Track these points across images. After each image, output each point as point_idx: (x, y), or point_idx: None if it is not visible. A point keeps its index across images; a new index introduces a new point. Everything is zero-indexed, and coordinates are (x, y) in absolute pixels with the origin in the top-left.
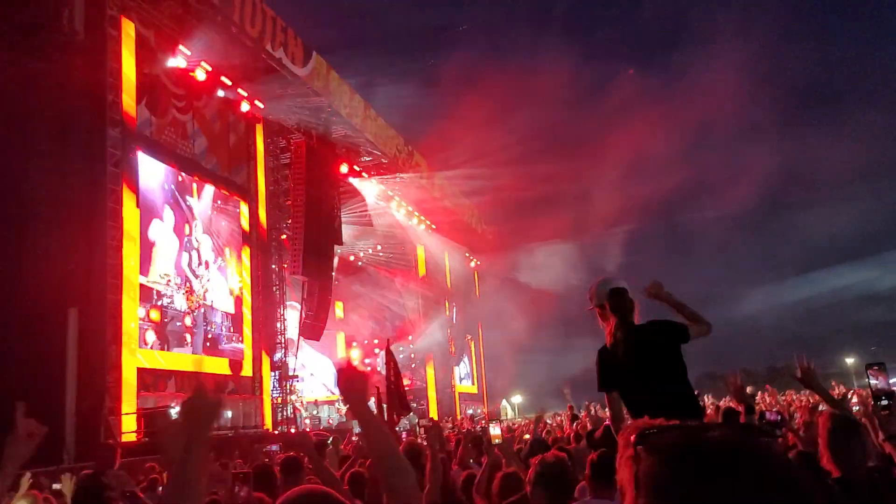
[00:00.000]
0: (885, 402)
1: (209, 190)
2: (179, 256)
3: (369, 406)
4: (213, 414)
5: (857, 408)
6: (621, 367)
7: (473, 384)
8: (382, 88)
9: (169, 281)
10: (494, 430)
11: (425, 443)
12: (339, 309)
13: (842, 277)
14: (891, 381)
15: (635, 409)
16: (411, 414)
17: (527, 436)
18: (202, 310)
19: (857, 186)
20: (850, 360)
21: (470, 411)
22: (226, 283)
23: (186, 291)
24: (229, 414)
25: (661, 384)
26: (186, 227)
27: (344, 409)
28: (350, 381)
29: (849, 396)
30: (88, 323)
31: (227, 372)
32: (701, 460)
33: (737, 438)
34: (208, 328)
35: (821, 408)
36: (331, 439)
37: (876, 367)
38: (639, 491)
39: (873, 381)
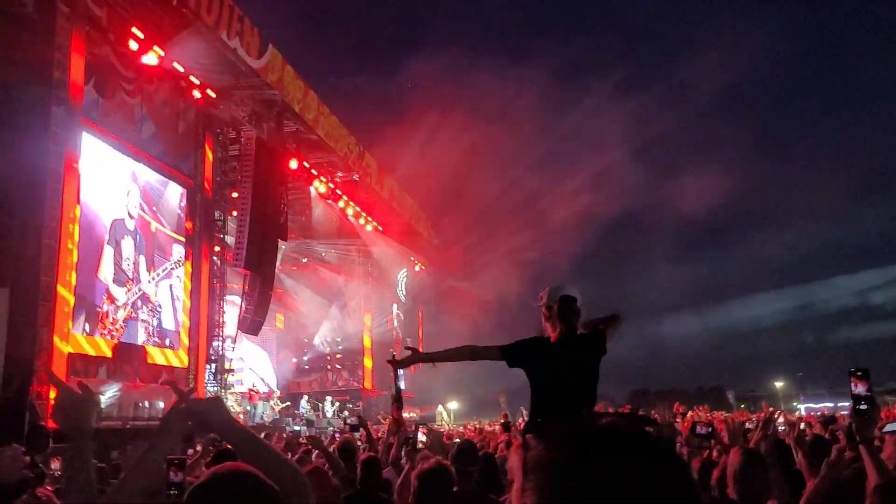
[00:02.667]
0: (864, 407)
1: (157, 177)
2: (119, 252)
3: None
4: (85, 409)
5: (783, 428)
6: (545, 366)
7: (411, 387)
8: (338, 87)
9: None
10: (421, 438)
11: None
12: (279, 322)
13: (769, 304)
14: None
15: (542, 408)
16: (345, 412)
17: (457, 440)
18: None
19: (788, 217)
20: (778, 384)
21: (405, 416)
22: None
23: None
24: (161, 405)
25: (574, 393)
26: (133, 215)
27: (279, 406)
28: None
29: (775, 417)
30: (19, 304)
31: (162, 362)
32: (587, 443)
33: (622, 424)
34: (147, 320)
35: (747, 425)
36: (263, 434)
37: (859, 374)
38: (526, 476)
39: (854, 388)
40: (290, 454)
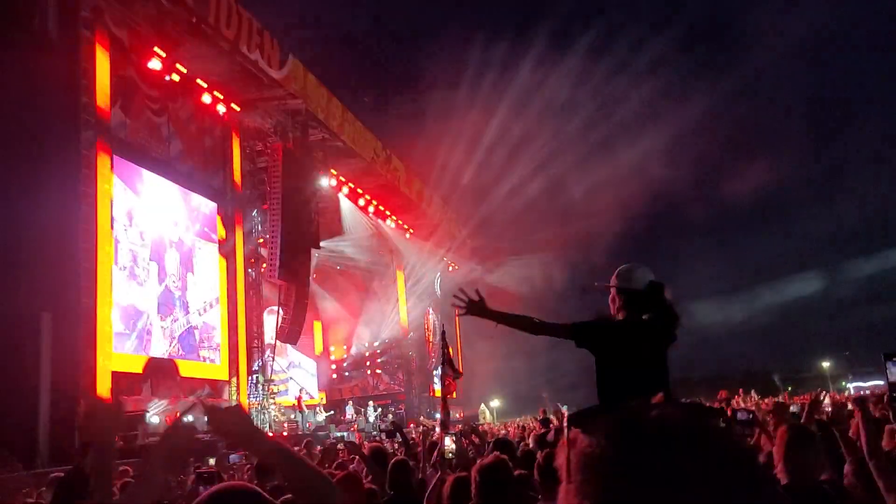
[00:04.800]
0: None
1: (188, 194)
2: (163, 268)
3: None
4: (113, 421)
5: (830, 409)
6: (623, 352)
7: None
8: (361, 91)
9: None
10: (449, 445)
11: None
12: (317, 331)
13: (812, 283)
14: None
15: (615, 396)
16: (389, 416)
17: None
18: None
19: (830, 193)
20: (826, 364)
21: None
22: (203, 291)
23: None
24: (206, 419)
25: (653, 382)
26: (169, 235)
27: (324, 415)
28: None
29: (822, 398)
30: (62, 327)
31: (204, 375)
32: (637, 435)
33: (678, 415)
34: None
35: (791, 409)
36: (305, 441)
37: None
38: (570, 474)
39: (890, 375)
40: (326, 462)
